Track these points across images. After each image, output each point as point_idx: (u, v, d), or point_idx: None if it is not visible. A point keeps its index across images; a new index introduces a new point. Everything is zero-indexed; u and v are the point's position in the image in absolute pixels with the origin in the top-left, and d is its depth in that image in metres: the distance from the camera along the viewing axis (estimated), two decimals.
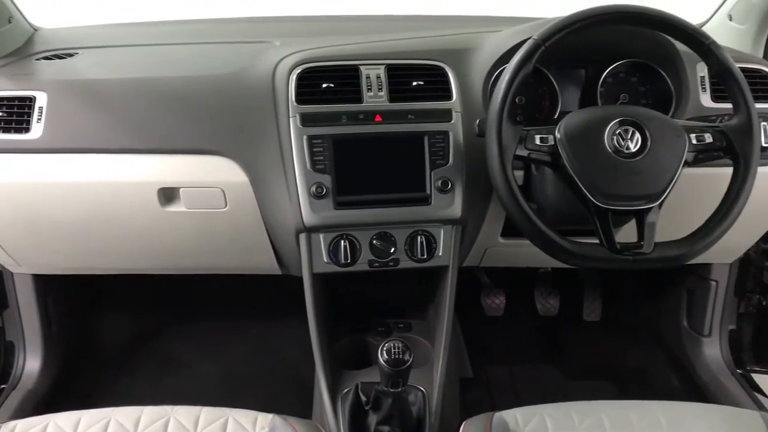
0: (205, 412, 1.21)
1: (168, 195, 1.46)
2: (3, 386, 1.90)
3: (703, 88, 1.51)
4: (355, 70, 1.45)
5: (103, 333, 2.25)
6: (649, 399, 1.26)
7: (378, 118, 1.42)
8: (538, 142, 1.24)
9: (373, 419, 1.28)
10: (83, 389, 2.04)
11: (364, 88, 1.44)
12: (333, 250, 1.41)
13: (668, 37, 1.39)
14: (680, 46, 1.40)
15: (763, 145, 1.45)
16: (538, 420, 1.20)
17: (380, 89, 1.44)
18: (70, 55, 1.63)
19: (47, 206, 1.48)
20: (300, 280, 1.45)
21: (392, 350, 1.16)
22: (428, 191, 1.41)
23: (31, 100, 1.43)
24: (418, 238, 1.43)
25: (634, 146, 1.22)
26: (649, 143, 1.21)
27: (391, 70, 1.46)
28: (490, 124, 1.23)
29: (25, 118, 1.42)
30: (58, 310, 2.01)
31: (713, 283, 1.96)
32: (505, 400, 2.03)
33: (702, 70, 1.52)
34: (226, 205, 1.46)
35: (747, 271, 1.97)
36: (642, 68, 1.54)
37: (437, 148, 1.41)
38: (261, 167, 1.42)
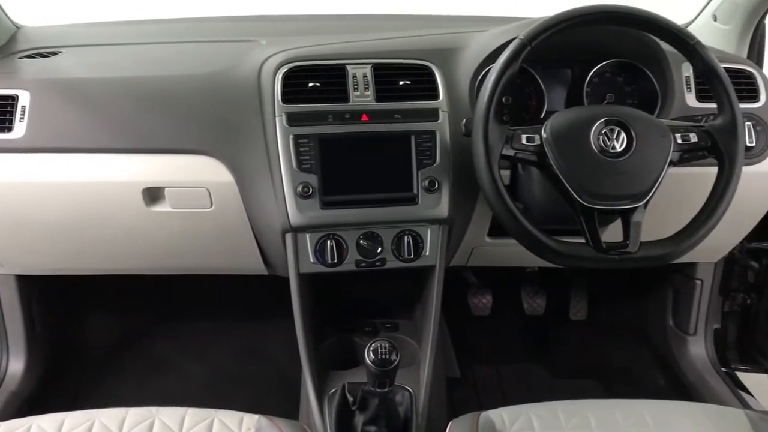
0: (191, 413, 1.20)
1: (153, 195, 1.45)
2: None
3: (688, 88, 1.52)
4: (341, 69, 1.45)
5: (88, 334, 2.24)
6: (635, 398, 1.27)
7: (364, 118, 1.41)
8: (524, 141, 1.24)
9: (359, 419, 1.28)
10: (67, 391, 2.03)
11: (351, 87, 1.43)
12: (319, 250, 1.40)
13: (654, 37, 1.40)
14: (666, 46, 1.41)
15: (748, 144, 1.47)
16: (524, 419, 1.20)
17: (367, 89, 1.43)
18: (54, 54, 1.62)
19: (30, 206, 1.47)
20: (286, 280, 1.45)
21: (379, 350, 1.16)
22: (415, 191, 1.41)
23: (14, 98, 1.42)
24: (405, 237, 1.42)
25: (619, 146, 1.22)
26: (634, 143, 1.22)
27: (377, 69, 1.45)
28: (476, 124, 1.23)
29: (8, 117, 1.41)
30: (42, 311, 2.00)
31: (698, 282, 1.97)
32: (492, 400, 2.03)
33: (687, 70, 1.52)
34: (211, 205, 1.45)
35: (732, 270, 1.98)
36: (628, 68, 1.55)
37: (424, 148, 1.41)
38: (247, 167, 1.41)
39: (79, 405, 1.24)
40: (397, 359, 1.17)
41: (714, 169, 1.26)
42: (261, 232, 1.49)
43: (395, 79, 1.45)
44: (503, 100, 1.52)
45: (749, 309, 2.00)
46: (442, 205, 1.41)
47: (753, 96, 1.54)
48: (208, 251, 1.62)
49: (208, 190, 1.43)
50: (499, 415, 1.21)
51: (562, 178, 1.21)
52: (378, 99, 1.43)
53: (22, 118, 1.40)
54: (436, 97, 1.45)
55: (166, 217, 1.48)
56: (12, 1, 1.74)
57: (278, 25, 1.99)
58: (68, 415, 1.18)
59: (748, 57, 1.78)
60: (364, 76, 1.44)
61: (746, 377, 1.99)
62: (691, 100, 1.52)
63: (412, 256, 1.43)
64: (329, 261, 1.40)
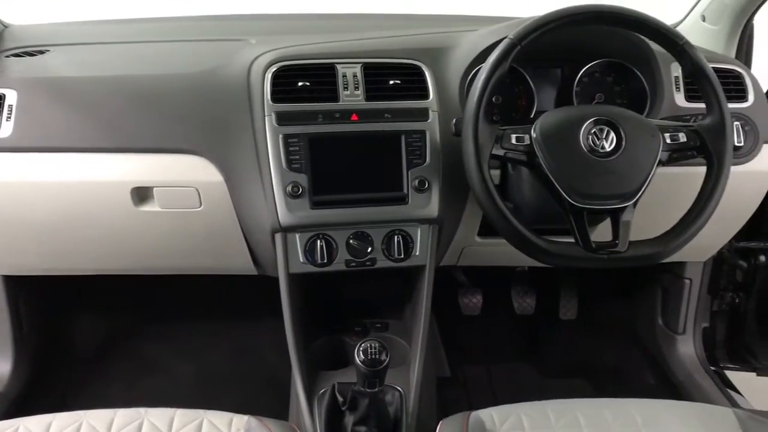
0: (180, 414, 1.19)
1: (141, 194, 1.44)
2: None
3: (677, 87, 1.53)
4: (331, 68, 1.44)
5: (76, 334, 2.22)
6: (625, 396, 1.27)
7: (354, 117, 1.41)
8: (514, 141, 1.24)
9: (349, 420, 1.28)
10: (55, 392, 2.01)
11: (341, 86, 1.43)
12: (309, 250, 1.40)
13: (643, 37, 1.40)
14: (655, 46, 1.41)
15: (736, 144, 1.48)
16: (514, 419, 1.20)
17: (357, 88, 1.43)
18: (41, 53, 1.60)
19: (17, 206, 1.46)
20: (276, 280, 1.44)
21: (369, 350, 1.16)
22: (405, 190, 1.41)
23: (1, 98, 1.41)
24: (395, 237, 1.42)
25: (609, 145, 1.22)
26: (624, 142, 1.22)
27: (367, 68, 1.45)
28: (466, 124, 1.23)
29: None
30: (29, 311, 1.98)
31: (687, 281, 1.98)
32: (482, 399, 2.04)
33: (676, 70, 1.53)
34: (200, 205, 1.45)
35: (720, 270, 1.99)
36: (617, 68, 1.56)
37: (414, 148, 1.41)
38: (236, 166, 1.40)
39: (67, 406, 1.23)
40: (387, 359, 1.17)
41: (703, 169, 1.26)
42: (250, 231, 1.49)
43: (385, 79, 1.45)
44: (493, 99, 1.52)
45: (738, 308, 2.00)
46: (432, 205, 1.41)
47: (741, 96, 1.55)
48: (197, 251, 1.61)
49: (197, 190, 1.43)
50: (489, 414, 1.21)
51: (551, 177, 1.21)
52: (368, 98, 1.43)
53: (9, 117, 1.39)
54: (426, 96, 1.45)
55: (154, 217, 1.47)
56: None
57: (268, 24, 1.99)
58: (56, 417, 1.17)
59: (737, 57, 1.79)
60: (354, 76, 1.44)
61: (735, 376, 2.00)
62: (680, 99, 1.52)
63: (402, 256, 1.43)
64: (319, 261, 1.40)
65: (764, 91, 1.59)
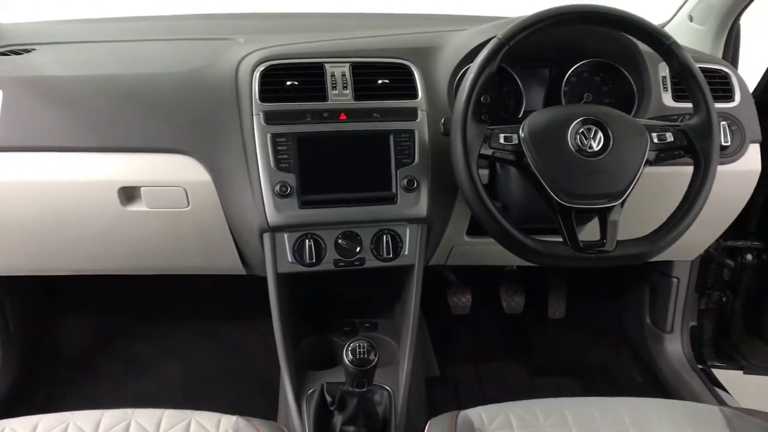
0: (167, 415, 1.19)
1: (129, 194, 1.43)
2: None
3: (664, 87, 1.53)
4: (319, 67, 1.44)
5: (63, 334, 2.21)
6: (613, 395, 1.27)
7: (343, 117, 1.41)
8: (502, 141, 1.24)
9: (338, 419, 1.28)
10: (42, 393, 2.00)
11: (329, 86, 1.42)
12: (297, 250, 1.40)
13: (630, 37, 1.41)
14: (643, 46, 1.42)
15: (723, 144, 1.48)
16: (502, 418, 1.20)
17: (345, 87, 1.43)
18: (28, 51, 1.59)
19: (3, 206, 1.44)
20: (264, 280, 1.44)
21: (357, 350, 1.16)
22: (394, 190, 1.40)
23: None
24: (384, 237, 1.42)
25: (596, 145, 1.23)
26: (611, 142, 1.23)
27: (356, 68, 1.45)
28: (454, 123, 1.23)
29: None
30: (15, 312, 1.97)
31: (675, 280, 1.99)
32: (471, 398, 2.04)
33: (663, 69, 1.53)
34: (188, 205, 1.44)
35: (707, 269, 2.00)
36: (605, 68, 1.56)
37: (403, 147, 1.41)
38: (224, 166, 1.40)
39: (54, 407, 1.22)
40: (376, 359, 1.17)
41: (690, 169, 1.27)
42: (238, 231, 1.48)
43: (374, 78, 1.45)
44: (481, 99, 1.52)
45: (725, 306, 2.02)
46: (420, 205, 1.41)
47: (728, 96, 1.55)
48: (185, 251, 1.61)
49: (184, 190, 1.42)
50: (477, 413, 1.22)
51: (539, 177, 1.22)
52: (356, 98, 1.43)
53: None
54: (414, 96, 1.45)
55: (142, 217, 1.46)
56: None
57: (256, 23, 1.98)
58: (42, 418, 1.17)
59: (723, 57, 1.80)
60: (343, 75, 1.44)
61: (722, 374, 2.02)
62: (667, 99, 1.53)
63: (391, 256, 1.42)
64: (307, 261, 1.39)
65: (750, 91, 1.60)
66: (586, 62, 1.54)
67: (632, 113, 1.52)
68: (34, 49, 1.61)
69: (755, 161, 1.56)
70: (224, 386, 2.06)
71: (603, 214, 1.23)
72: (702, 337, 2.08)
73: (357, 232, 1.42)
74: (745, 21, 1.80)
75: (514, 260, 1.37)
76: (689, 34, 1.82)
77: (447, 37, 1.57)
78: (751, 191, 1.61)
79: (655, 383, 2.07)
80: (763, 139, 1.56)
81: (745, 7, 1.72)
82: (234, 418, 1.20)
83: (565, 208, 1.21)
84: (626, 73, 1.54)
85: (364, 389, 1.22)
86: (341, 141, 1.40)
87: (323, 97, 1.42)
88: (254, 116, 1.38)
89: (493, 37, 1.23)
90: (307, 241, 1.39)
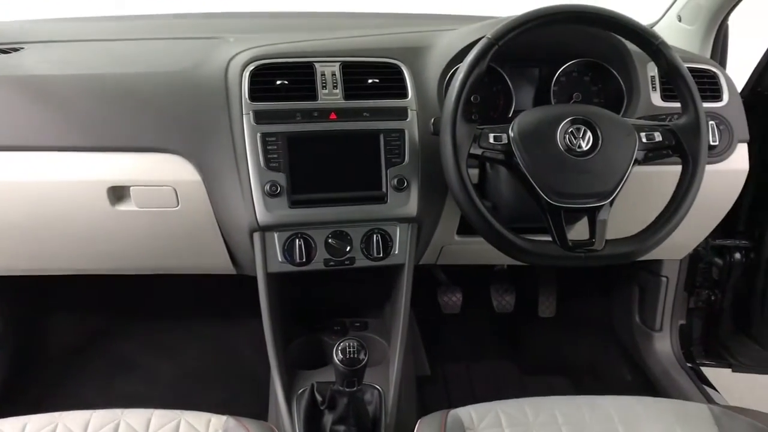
0: (157, 415, 1.18)
1: (118, 194, 1.43)
2: None
3: (653, 87, 1.54)
4: (309, 67, 1.44)
5: (52, 335, 2.19)
6: (603, 393, 1.28)
7: (333, 116, 1.40)
8: (492, 140, 1.24)
9: (328, 419, 1.28)
10: (30, 393, 1.99)
11: (319, 85, 1.42)
12: (288, 249, 1.39)
13: (619, 37, 1.41)
14: (632, 46, 1.42)
15: (711, 143, 1.49)
16: (492, 416, 1.20)
17: (335, 87, 1.43)
18: (16, 50, 1.58)
19: None
20: (255, 279, 1.44)
21: (347, 349, 1.16)
22: (384, 189, 1.40)
23: None
24: (374, 236, 1.42)
25: (585, 145, 1.23)
26: (600, 142, 1.23)
27: (346, 67, 1.45)
28: (444, 123, 1.23)
29: None
30: (3, 312, 1.96)
31: (664, 279, 2.00)
32: (461, 397, 2.05)
33: (652, 69, 1.54)
34: (178, 204, 1.44)
35: (696, 267, 2.01)
36: (594, 68, 1.57)
37: (393, 147, 1.41)
38: (214, 165, 1.39)
39: (43, 408, 1.21)
40: (366, 358, 1.17)
41: (678, 168, 1.28)
42: (228, 231, 1.48)
43: (364, 78, 1.45)
44: (471, 99, 1.53)
45: (713, 305, 2.03)
46: (410, 204, 1.41)
47: (716, 95, 1.56)
48: (174, 251, 1.60)
49: (174, 189, 1.42)
50: (467, 412, 1.22)
51: (528, 176, 1.22)
52: (346, 97, 1.42)
53: None
54: (404, 95, 1.45)
55: (131, 217, 1.46)
56: None
57: (246, 22, 1.98)
58: (30, 419, 1.16)
59: (712, 57, 1.81)
60: (333, 74, 1.44)
61: (710, 372, 2.03)
62: (656, 99, 1.53)
63: (381, 255, 1.43)
64: (298, 260, 1.39)
65: (738, 91, 1.61)
66: (575, 62, 1.55)
67: (621, 113, 1.52)
68: (22, 48, 1.60)
69: (743, 161, 1.57)
70: (214, 386, 2.06)
71: (592, 214, 1.23)
72: (691, 335, 2.09)
73: (347, 232, 1.42)
74: (733, 21, 1.81)
75: (504, 259, 1.38)
76: (678, 34, 1.83)
77: (437, 37, 1.57)
78: (739, 190, 1.62)
79: (644, 381, 2.08)
80: (751, 139, 1.57)
81: (733, 7, 1.73)
82: (224, 417, 1.19)
83: (555, 207, 1.22)
84: (615, 72, 1.55)
85: (355, 389, 1.22)
86: (331, 140, 1.40)
87: (313, 97, 1.41)
88: (244, 115, 1.38)
89: (483, 37, 1.23)
90: (297, 240, 1.39)
